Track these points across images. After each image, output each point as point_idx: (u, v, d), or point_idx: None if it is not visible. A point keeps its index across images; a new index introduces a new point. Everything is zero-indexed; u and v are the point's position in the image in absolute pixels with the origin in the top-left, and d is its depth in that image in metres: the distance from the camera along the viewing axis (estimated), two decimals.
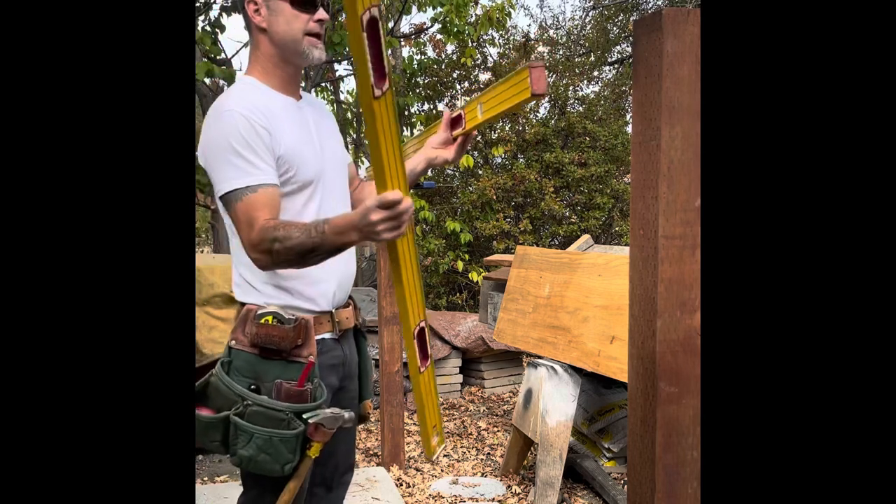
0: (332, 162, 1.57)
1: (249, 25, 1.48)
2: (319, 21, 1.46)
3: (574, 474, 3.18)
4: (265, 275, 1.45)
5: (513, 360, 4.90)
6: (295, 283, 1.47)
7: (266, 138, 1.39)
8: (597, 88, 9.15)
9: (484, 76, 8.11)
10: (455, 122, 1.68)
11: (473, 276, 6.01)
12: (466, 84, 8.08)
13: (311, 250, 1.31)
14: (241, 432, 1.41)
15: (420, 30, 7.69)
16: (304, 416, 1.44)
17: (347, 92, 7.30)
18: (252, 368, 1.44)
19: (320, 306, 1.51)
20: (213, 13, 5.12)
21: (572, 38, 9.91)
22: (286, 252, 1.32)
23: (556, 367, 2.96)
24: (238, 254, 1.47)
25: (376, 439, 3.89)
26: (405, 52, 7.55)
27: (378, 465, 3.44)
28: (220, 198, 1.41)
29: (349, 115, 7.33)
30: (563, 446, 2.85)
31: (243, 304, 1.48)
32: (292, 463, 1.45)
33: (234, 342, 1.46)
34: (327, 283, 1.51)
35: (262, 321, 1.42)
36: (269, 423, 1.42)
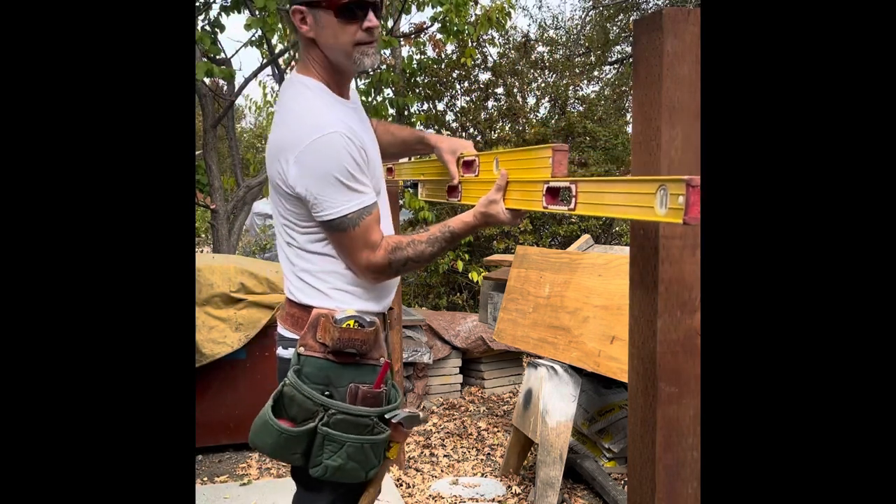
0: (379, 153, 1.58)
1: (296, 31, 1.45)
2: (368, 29, 1.41)
3: (574, 474, 3.18)
4: (335, 280, 1.45)
5: (513, 360, 4.89)
6: (362, 289, 1.47)
7: (364, 157, 1.40)
8: (597, 88, 9.15)
9: (484, 76, 8.11)
10: (468, 164, 1.68)
11: (473, 276, 6.01)
12: (466, 84, 8.08)
13: (436, 256, 1.46)
14: (330, 442, 1.39)
15: (420, 29, 7.68)
16: (388, 417, 1.44)
17: None
18: (324, 374, 1.41)
19: (382, 307, 1.52)
20: (213, 13, 5.12)
21: (572, 38, 9.90)
22: (416, 266, 1.44)
23: (557, 367, 2.96)
24: (298, 259, 1.46)
25: None
26: (405, 51, 7.55)
27: None
28: (330, 221, 1.38)
29: None
30: (563, 446, 2.85)
31: (305, 308, 1.46)
32: (376, 468, 1.45)
33: (302, 349, 1.43)
34: (392, 286, 1.54)
35: (345, 325, 1.40)
36: (355, 429, 1.40)
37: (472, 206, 1.54)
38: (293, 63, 5.88)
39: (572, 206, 1.30)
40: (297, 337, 1.46)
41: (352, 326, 1.41)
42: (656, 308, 1.18)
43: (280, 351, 1.51)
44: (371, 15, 1.40)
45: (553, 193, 1.37)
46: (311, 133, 1.35)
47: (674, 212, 1.03)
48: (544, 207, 1.38)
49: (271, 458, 1.44)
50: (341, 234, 1.39)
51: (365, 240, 1.40)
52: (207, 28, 4.98)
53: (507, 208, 1.48)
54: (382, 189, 1.55)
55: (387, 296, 1.54)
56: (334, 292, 1.45)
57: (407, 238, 1.46)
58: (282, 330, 1.51)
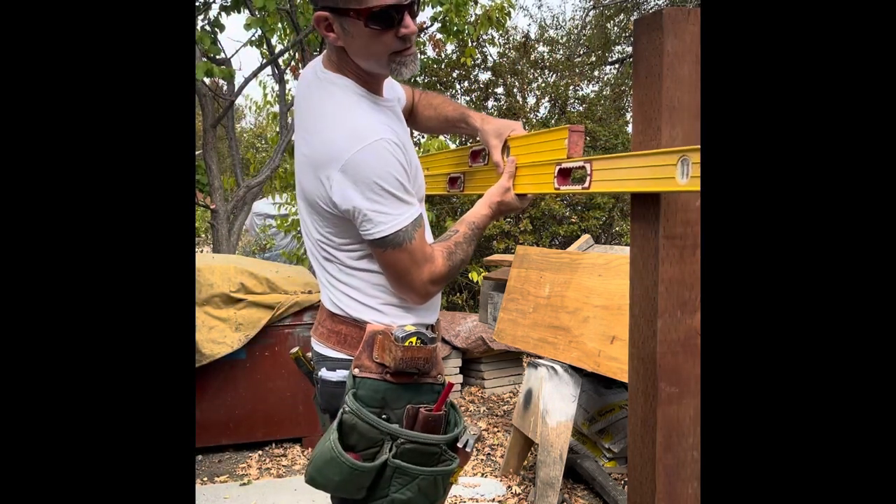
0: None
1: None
2: (404, 37, 1.24)
3: (574, 475, 3.18)
4: (385, 294, 1.33)
5: (513, 360, 4.89)
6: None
7: (408, 163, 1.28)
8: (597, 88, 9.15)
9: (484, 76, 8.11)
10: (476, 154, 1.64)
11: (473, 276, 6.00)
12: (466, 84, 8.08)
13: (476, 243, 1.41)
14: (401, 475, 1.27)
15: (420, 29, 7.69)
16: (459, 445, 1.34)
17: None
18: (378, 397, 1.29)
19: (433, 319, 1.41)
20: (213, 13, 5.12)
21: (572, 38, 9.90)
22: (461, 270, 1.37)
23: (557, 367, 2.96)
24: (342, 275, 1.34)
25: None
26: None
27: None
28: (384, 238, 1.25)
29: None
30: (564, 447, 2.85)
31: (355, 326, 1.34)
32: (440, 499, 1.35)
33: (357, 370, 1.30)
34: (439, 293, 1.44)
35: (407, 343, 1.28)
36: (424, 459, 1.29)
37: (477, 194, 1.49)
38: (293, 63, 5.88)
39: (587, 184, 1.28)
40: (343, 356, 1.34)
41: (414, 344, 1.29)
42: (656, 308, 1.17)
43: (324, 373, 1.38)
44: (407, 19, 1.23)
45: (565, 174, 1.35)
46: (354, 143, 1.22)
47: (695, 180, 1.04)
48: (556, 189, 1.35)
49: (334, 494, 1.32)
50: (397, 251, 1.26)
51: (423, 252, 1.28)
52: (207, 28, 4.98)
53: (515, 193, 1.43)
54: (423, 195, 1.43)
55: (436, 305, 1.43)
56: (386, 307, 1.34)
57: (451, 242, 1.36)
58: (323, 349, 1.38)
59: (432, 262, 1.30)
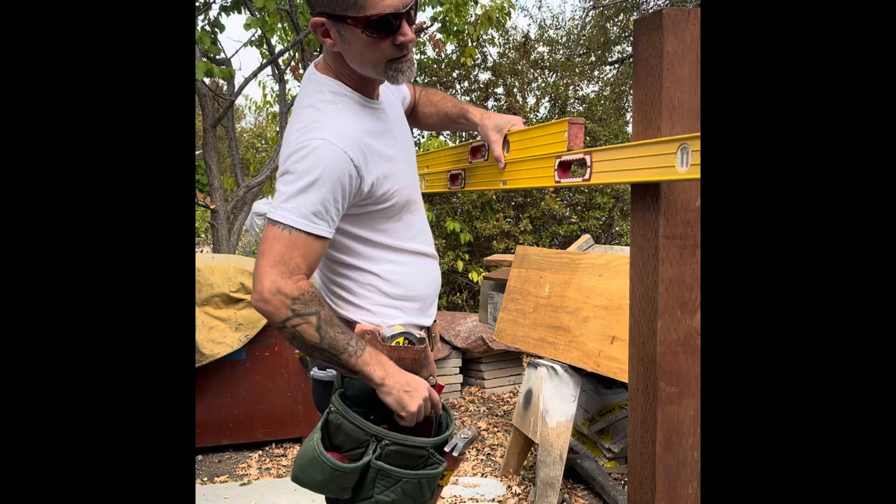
0: (413, 159, 1.42)
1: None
2: (401, 45, 1.24)
3: (574, 475, 3.18)
4: (375, 294, 1.31)
5: (513, 360, 4.89)
6: (408, 302, 1.34)
7: (351, 185, 1.23)
8: (597, 88, 9.15)
9: (484, 76, 8.11)
10: (476, 150, 1.64)
11: (473, 276, 6.00)
12: (466, 84, 8.08)
13: (333, 352, 1.20)
14: (384, 477, 1.25)
15: (420, 29, 7.68)
16: (447, 449, 1.32)
17: None
18: (367, 397, 1.27)
19: (428, 321, 1.39)
20: (213, 13, 5.12)
21: (572, 38, 9.90)
22: (306, 331, 1.19)
23: (557, 367, 2.96)
24: (332, 274, 1.33)
25: None
26: None
27: None
28: (271, 217, 1.22)
29: None
30: (564, 447, 2.85)
31: (346, 324, 1.30)
32: (430, 500, 1.33)
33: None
34: (435, 296, 1.41)
35: (394, 343, 1.27)
36: (409, 462, 1.27)
37: (477, 193, 1.48)
38: (293, 63, 5.88)
39: (587, 176, 1.28)
40: None
41: (401, 344, 1.28)
42: (656, 308, 1.18)
43: (315, 372, 1.38)
44: (405, 27, 1.22)
45: (565, 167, 1.35)
46: (300, 136, 1.23)
47: (695, 168, 1.05)
48: (556, 182, 1.35)
49: (317, 493, 1.31)
50: (272, 232, 1.20)
51: (288, 254, 1.18)
52: (207, 28, 4.98)
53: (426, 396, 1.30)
54: (417, 198, 1.41)
55: (431, 305, 1.40)
56: (376, 308, 1.32)
57: (327, 308, 1.23)
58: None
59: (285, 266, 1.18)
